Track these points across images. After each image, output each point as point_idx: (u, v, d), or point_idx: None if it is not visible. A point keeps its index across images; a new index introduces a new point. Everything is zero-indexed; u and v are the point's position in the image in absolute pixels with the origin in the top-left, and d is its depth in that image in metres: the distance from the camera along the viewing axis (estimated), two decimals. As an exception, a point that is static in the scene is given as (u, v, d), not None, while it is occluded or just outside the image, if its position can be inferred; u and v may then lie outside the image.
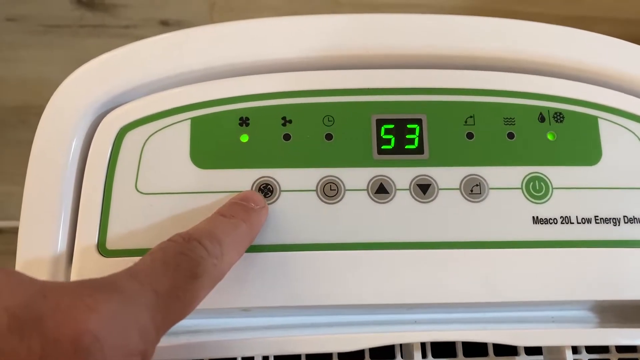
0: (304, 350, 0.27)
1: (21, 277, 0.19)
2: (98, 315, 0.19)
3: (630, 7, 1.11)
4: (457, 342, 0.31)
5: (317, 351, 0.27)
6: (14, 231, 0.30)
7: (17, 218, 0.29)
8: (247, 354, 0.27)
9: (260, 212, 0.28)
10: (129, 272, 0.22)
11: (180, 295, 0.22)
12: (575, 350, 0.31)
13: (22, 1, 1.08)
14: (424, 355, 0.31)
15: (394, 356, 0.31)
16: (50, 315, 0.18)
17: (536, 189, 0.30)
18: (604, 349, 0.31)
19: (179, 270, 0.23)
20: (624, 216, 0.30)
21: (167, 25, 1.06)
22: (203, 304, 0.25)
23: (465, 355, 0.31)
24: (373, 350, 0.31)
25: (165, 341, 0.24)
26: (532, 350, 0.32)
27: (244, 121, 0.30)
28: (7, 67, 1.06)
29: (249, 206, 0.28)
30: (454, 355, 0.31)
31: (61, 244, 0.29)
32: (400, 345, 0.31)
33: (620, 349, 0.32)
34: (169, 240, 0.24)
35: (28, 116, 1.00)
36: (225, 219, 0.27)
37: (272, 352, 0.27)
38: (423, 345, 0.31)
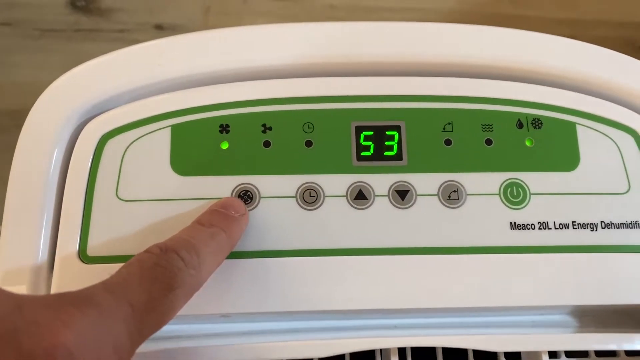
0: (282, 356, 0.27)
1: (1, 292, 0.20)
2: (72, 331, 0.19)
3: (625, 10, 1.11)
4: (438, 347, 0.32)
5: (295, 357, 0.27)
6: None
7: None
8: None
9: (240, 220, 0.28)
10: (104, 286, 0.22)
11: (157, 308, 0.22)
12: (554, 355, 0.32)
13: (17, 5, 1.09)
14: (403, 358, 0.31)
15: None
16: (25, 329, 0.18)
17: (514, 195, 0.30)
18: (583, 354, 0.32)
19: (155, 283, 0.23)
20: (602, 221, 0.31)
21: (161, 29, 1.07)
22: (182, 310, 0.25)
23: (445, 359, 0.32)
24: (354, 355, 0.31)
25: (143, 347, 0.24)
26: (511, 355, 0.32)
27: (224, 128, 0.31)
28: (2, 71, 1.06)
29: (229, 214, 0.28)
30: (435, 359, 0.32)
31: (42, 251, 0.29)
32: (381, 350, 0.31)
33: (600, 353, 0.32)
34: (146, 251, 0.24)
35: (23, 120, 1.00)
36: (204, 228, 0.27)
37: (249, 358, 0.27)
38: (403, 350, 0.31)
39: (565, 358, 0.32)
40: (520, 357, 0.32)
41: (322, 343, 0.27)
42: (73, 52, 1.06)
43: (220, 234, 0.27)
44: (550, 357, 0.30)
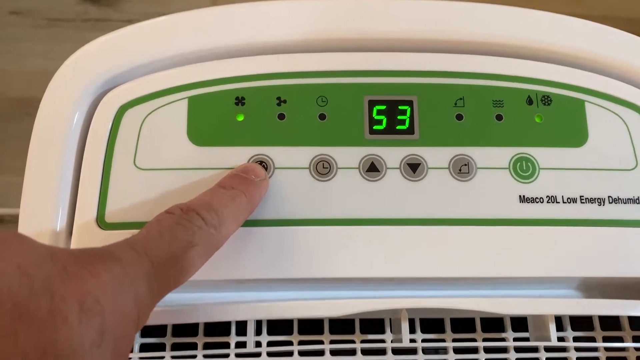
0: (294, 315, 0.27)
1: (32, 240, 0.21)
2: (99, 281, 0.20)
3: (632, 6, 1.11)
4: (446, 318, 0.32)
5: (306, 315, 0.28)
6: (17, 220, 0.31)
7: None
8: (239, 318, 0.28)
9: (260, 184, 0.29)
10: (127, 243, 0.23)
11: (176, 264, 0.23)
12: (560, 327, 0.32)
13: (26, -5, 1.10)
14: (413, 330, 0.32)
15: (384, 331, 0.32)
16: (58, 276, 0.19)
17: (523, 169, 0.31)
18: (589, 327, 0.32)
19: (175, 240, 0.24)
20: (609, 196, 0.31)
21: (169, 19, 1.07)
22: (198, 276, 0.26)
23: (454, 331, 0.32)
24: (363, 326, 0.32)
25: (160, 306, 0.25)
26: (518, 327, 0.33)
27: (239, 101, 0.31)
28: (11, 60, 1.07)
29: (249, 178, 0.29)
30: (443, 331, 0.32)
31: (62, 217, 0.30)
32: (390, 319, 0.32)
33: (605, 327, 0.32)
34: (167, 211, 0.25)
35: (31, 109, 1.01)
36: (224, 191, 0.27)
37: (263, 315, 0.27)
38: (412, 321, 0.32)
39: (571, 331, 0.32)
40: (527, 330, 0.32)
41: (336, 303, 0.28)
42: (81, 42, 1.07)
43: (240, 196, 0.27)
44: (556, 329, 0.31)
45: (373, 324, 0.32)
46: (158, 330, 0.31)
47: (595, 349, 0.31)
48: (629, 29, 0.34)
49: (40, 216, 0.30)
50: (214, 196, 0.27)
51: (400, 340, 0.29)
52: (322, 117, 0.31)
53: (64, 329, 0.18)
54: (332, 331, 0.32)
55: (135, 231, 0.25)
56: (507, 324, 0.32)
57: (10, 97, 1.03)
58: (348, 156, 0.31)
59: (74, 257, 0.20)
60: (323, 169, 0.31)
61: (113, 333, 0.19)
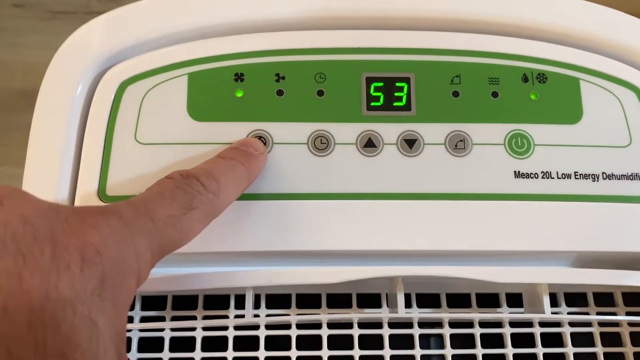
0: (291, 281, 0.28)
1: (34, 196, 0.21)
2: (100, 233, 0.20)
3: (633, 3, 1.11)
4: (442, 294, 0.33)
5: (303, 282, 0.28)
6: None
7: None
8: (237, 284, 0.28)
9: (258, 157, 0.30)
10: (128, 202, 0.23)
11: (176, 224, 0.24)
12: (555, 304, 0.33)
13: (29, -13, 1.10)
14: (409, 305, 0.32)
15: (380, 305, 0.32)
16: (60, 227, 0.20)
17: (518, 145, 0.31)
18: (583, 303, 0.33)
19: (174, 201, 0.24)
20: (603, 172, 0.32)
21: (171, 12, 1.07)
22: (197, 248, 0.27)
23: (450, 307, 0.33)
24: (360, 302, 0.32)
25: (159, 273, 0.25)
26: (513, 304, 0.33)
27: (239, 77, 0.32)
28: (14, 52, 1.07)
29: (249, 151, 0.29)
30: (439, 306, 0.33)
31: (63, 190, 0.30)
32: (387, 295, 0.32)
33: (599, 303, 0.33)
34: (167, 177, 0.26)
35: (34, 101, 1.01)
36: (224, 160, 0.28)
37: (260, 282, 0.28)
38: (408, 296, 0.32)
39: (566, 307, 0.33)
40: (521, 305, 0.33)
41: (330, 270, 0.29)
42: (84, 34, 1.07)
43: (239, 167, 0.28)
44: (551, 306, 0.31)
45: (370, 300, 0.33)
46: (158, 304, 0.32)
47: (589, 324, 0.32)
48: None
49: (42, 188, 0.30)
50: (214, 165, 0.27)
51: (397, 313, 0.30)
52: (320, 93, 0.32)
53: (66, 276, 0.19)
54: (330, 307, 0.32)
55: (135, 201, 0.25)
56: (502, 299, 0.33)
57: (14, 88, 1.03)
58: (346, 132, 0.31)
59: (75, 211, 0.21)
60: (321, 145, 0.31)
61: (113, 283, 0.20)
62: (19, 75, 1.05)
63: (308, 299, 0.32)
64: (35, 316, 0.18)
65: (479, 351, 0.31)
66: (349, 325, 0.31)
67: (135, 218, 0.22)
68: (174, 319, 0.31)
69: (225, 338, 0.30)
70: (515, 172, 0.31)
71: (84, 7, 1.11)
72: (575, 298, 0.33)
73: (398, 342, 0.31)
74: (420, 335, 0.31)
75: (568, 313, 0.32)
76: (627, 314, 0.32)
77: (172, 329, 0.31)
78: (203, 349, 0.30)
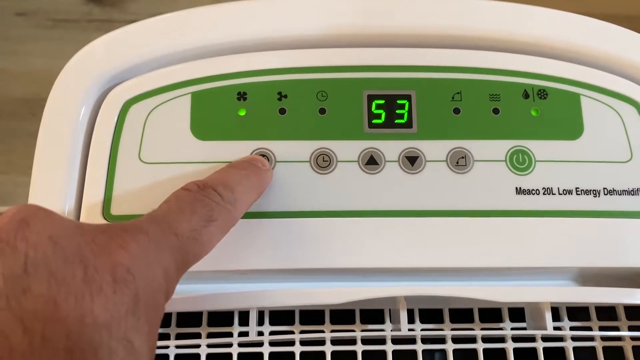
0: (295, 302, 0.28)
1: (58, 214, 0.21)
2: (128, 253, 0.20)
3: (634, 4, 1.12)
4: (444, 309, 0.33)
5: (307, 302, 0.28)
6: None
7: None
8: (242, 306, 0.28)
9: (266, 172, 0.30)
10: (150, 218, 0.23)
11: (198, 238, 0.24)
12: (558, 318, 0.33)
13: (31, -4, 1.11)
14: (412, 320, 0.33)
15: (383, 320, 0.32)
16: (88, 247, 0.20)
17: (520, 162, 0.32)
18: (585, 317, 0.33)
19: (195, 215, 0.24)
20: (604, 188, 0.32)
21: (173, 19, 1.08)
22: (202, 267, 0.27)
23: (452, 322, 0.33)
24: (364, 318, 0.33)
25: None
26: (516, 319, 0.33)
27: (241, 96, 0.32)
28: (17, 60, 1.08)
29: (257, 165, 0.30)
30: (442, 320, 0.33)
31: (68, 209, 0.31)
32: (390, 310, 0.32)
33: (601, 317, 0.33)
34: (183, 188, 0.26)
35: (37, 109, 1.02)
36: (237, 170, 0.28)
37: (265, 303, 0.28)
38: (412, 312, 0.33)
39: (568, 321, 0.33)
40: (524, 320, 0.33)
41: (333, 291, 0.29)
42: (86, 42, 1.08)
43: (252, 177, 0.28)
44: (553, 320, 0.31)
45: (373, 315, 0.33)
46: (163, 320, 0.32)
47: (591, 339, 0.32)
48: (630, 26, 0.35)
49: (48, 208, 0.30)
50: (229, 174, 0.28)
51: (399, 330, 0.30)
52: (322, 111, 0.32)
53: (99, 298, 0.19)
54: (333, 322, 0.32)
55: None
56: (505, 314, 0.33)
57: (16, 97, 1.04)
58: (348, 150, 0.32)
59: (101, 230, 0.21)
60: (323, 162, 0.31)
61: (146, 302, 0.20)
62: (21, 83, 1.06)
63: (312, 314, 0.32)
64: (73, 342, 0.18)
65: (482, 366, 0.31)
66: (352, 341, 0.31)
67: (160, 235, 0.22)
68: (178, 336, 0.31)
69: (230, 355, 0.30)
70: (516, 188, 0.31)
71: (86, 14, 1.12)
72: (578, 311, 0.34)
73: (401, 357, 0.31)
74: (424, 351, 0.31)
75: (570, 328, 0.32)
76: (630, 327, 0.33)
77: (177, 346, 0.31)
78: (208, 366, 0.30)
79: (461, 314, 0.33)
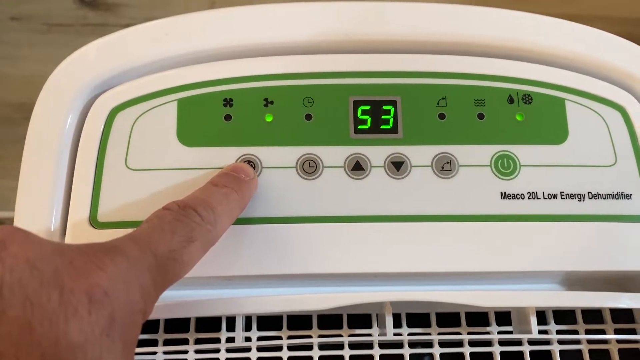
0: (282, 308, 0.28)
1: (37, 236, 0.21)
2: (106, 274, 0.21)
3: (626, 6, 1.12)
4: (431, 313, 0.33)
5: (293, 309, 0.28)
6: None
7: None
8: (228, 312, 0.28)
9: (249, 183, 0.30)
10: (130, 237, 0.24)
11: (177, 258, 0.24)
12: (544, 321, 0.33)
13: (25, 1, 1.11)
14: (399, 325, 0.33)
15: (371, 325, 0.33)
16: (65, 270, 0.20)
17: (504, 166, 0.32)
18: (571, 320, 0.33)
19: (175, 235, 0.24)
20: (589, 192, 0.32)
21: (167, 24, 1.08)
22: (190, 273, 0.27)
23: (439, 326, 0.33)
24: (351, 322, 0.33)
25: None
26: (502, 322, 0.33)
27: (227, 102, 0.32)
28: (12, 65, 1.08)
29: (240, 177, 0.30)
30: (429, 324, 0.33)
31: (55, 217, 0.31)
32: (377, 315, 0.32)
33: (588, 319, 0.33)
34: (164, 208, 0.26)
35: (31, 113, 1.02)
36: (218, 188, 0.28)
37: (251, 310, 0.28)
38: (398, 316, 0.33)
39: (554, 324, 0.33)
40: (510, 324, 0.33)
41: (319, 296, 0.29)
42: (80, 46, 1.08)
43: (232, 194, 0.28)
44: (539, 324, 0.31)
45: (360, 320, 0.33)
46: (150, 327, 0.32)
47: (577, 342, 0.32)
48: (620, 28, 0.35)
49: (34, 216, 0.30)
50: (209, 194, 0.28)
51: (385, 335, 0.30)
52: (308, 117, 0.32)
53: (74, 320, 0.19)
54: (321, 327, 0.32)
55: (127, 230, 0.25)
56: (492, 318, 0.33)
57: (11, 102, 1.04)
58: (334, 155, 0.32)
59: (80, 251, 0.21)
60: (309, 168, 0.32)
61: (122, 323, 0.20)
62: (16, 88, 1.06)
63: (299, 319, 0.33)
64: None
65: (469, 370, 0.31)
66: (340, 345, 0.31)
67: (139, 255, 0.22)
68: (166, 342, 0.31)
69: (217, 360, 0.30)
70: (501, 193, 0.32)
71: (81, 19, 1.12)
72: (565, 313, 0.34)
73: (389, 362, 0.31)
74: (411, 355, 0.31)
75: (557, 332, 0.33)
76: (616, 330, 0.33)
77: (165, 352, 0.31)
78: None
79: (448, 318, 0.33)
